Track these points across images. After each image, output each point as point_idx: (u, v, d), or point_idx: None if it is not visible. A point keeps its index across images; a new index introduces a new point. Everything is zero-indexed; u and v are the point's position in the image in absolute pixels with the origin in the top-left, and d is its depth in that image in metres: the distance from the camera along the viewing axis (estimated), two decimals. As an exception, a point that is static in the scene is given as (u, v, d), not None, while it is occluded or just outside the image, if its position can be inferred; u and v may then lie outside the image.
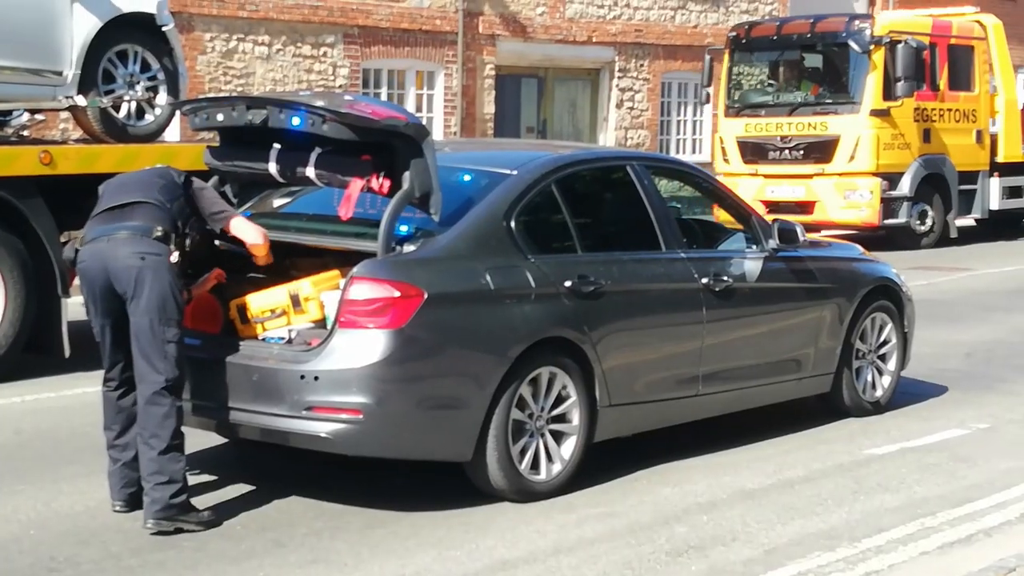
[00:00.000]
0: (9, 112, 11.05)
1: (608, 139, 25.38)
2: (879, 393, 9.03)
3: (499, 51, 23.70)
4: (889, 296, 9.05)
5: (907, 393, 9.45)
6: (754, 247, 8.27)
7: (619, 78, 25.46)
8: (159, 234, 6.25)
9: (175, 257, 6.28)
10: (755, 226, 8.35)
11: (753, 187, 20.57)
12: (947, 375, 10.31)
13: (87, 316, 6.44)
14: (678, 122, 26.86)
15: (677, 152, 26.26)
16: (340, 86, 21.47)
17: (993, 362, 11.04)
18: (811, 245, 8.73)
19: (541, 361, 6.82)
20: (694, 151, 26.74)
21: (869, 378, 8.97)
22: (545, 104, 24.94)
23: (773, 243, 8.27)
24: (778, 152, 20.49)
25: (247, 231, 6.76)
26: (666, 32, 26.00)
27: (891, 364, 9.11)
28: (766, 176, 20.59)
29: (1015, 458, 7.94)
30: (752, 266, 8.13)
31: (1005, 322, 13.20)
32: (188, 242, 6.49)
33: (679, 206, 9.03)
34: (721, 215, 8.76)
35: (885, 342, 9.06)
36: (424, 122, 22.29)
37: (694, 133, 27.06)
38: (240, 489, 6.93)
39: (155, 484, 6.12)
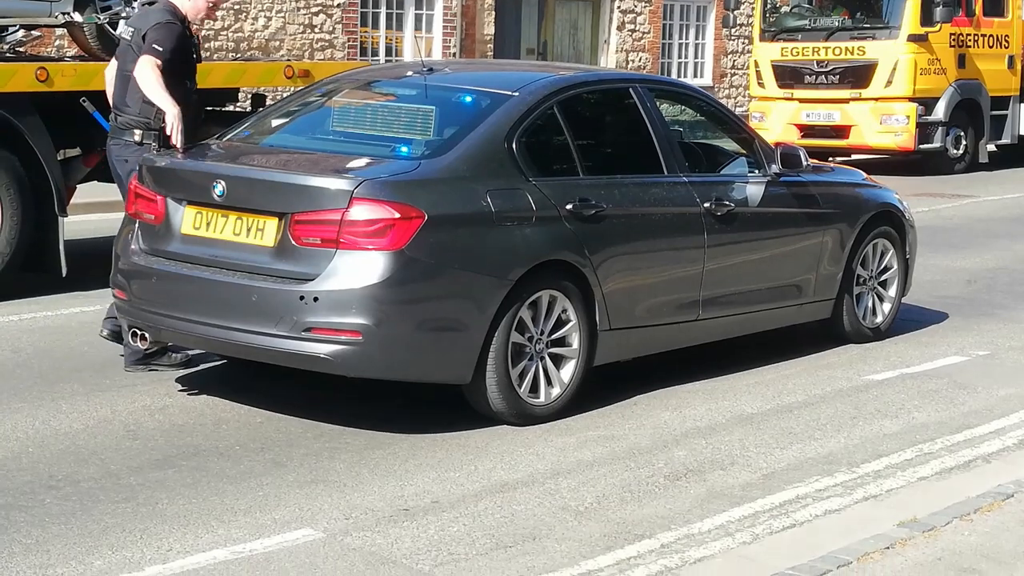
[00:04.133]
0: (5, 28, 10.93)
1: (609, 62, 25.17)
2: (879, 319, 9.01)
3: (500, -29, 23.43)
4: (891, 222, 9.00)
5: (907, 320, 9.43)
6: (757, 171, 8.21)
7: (620, 0, 25.21)
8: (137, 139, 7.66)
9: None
10: (758, 150, 8.28)
11: (788, 111, 20.63)
12: (948, 302, 10.29)
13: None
14: (680, 45, 26.62)
15: (679, 76, 26.06)
16: (338, 5, 21.25)
17: (994, 289, 11.02)
18: (814, 170, 8.67)
19: (541, 284, 6.79)
20: (696, 75, 26.54)
21: (870, 304, 8.94)
22: (546, 26, 24.70)
23: (776, 168, 8.21)
24: (814, 76, 20.49)
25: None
26: (669, -47, 25.71)
27: (892, 290, 9.08)
28: (801, 100, 20.57)
29: (1014, 385, 7.94)
30: (754, 191, 8.08)
31: (1008, 249, 13.16)
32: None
33: (681, 129, 8.94)
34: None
35: (886, 268, 9.03)
36: (423, 42, 22.17)
37: (696, 57, 26.83)
38: (238, 409, 6.93)
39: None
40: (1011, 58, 21.48)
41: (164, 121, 7.44)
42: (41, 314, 9.16)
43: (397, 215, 6.32)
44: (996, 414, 7.31)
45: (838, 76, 20.28)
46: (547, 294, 6.84)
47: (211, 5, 7.84)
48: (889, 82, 19.92)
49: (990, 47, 21.05)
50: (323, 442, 6.46)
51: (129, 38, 7.75)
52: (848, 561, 5.06)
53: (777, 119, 20.64)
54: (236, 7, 20.11)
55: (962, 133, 20.73)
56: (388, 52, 22.17)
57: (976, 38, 20.78)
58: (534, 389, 6.87)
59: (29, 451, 6.22)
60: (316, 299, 6.31)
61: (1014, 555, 5.22)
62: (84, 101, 8.63)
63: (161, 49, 7.47)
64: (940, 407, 7.44)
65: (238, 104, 11.78)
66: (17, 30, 11.09)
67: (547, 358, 6.91)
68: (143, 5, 7.96)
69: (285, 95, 9.24)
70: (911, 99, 19.94)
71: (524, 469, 6.17)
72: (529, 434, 6.68)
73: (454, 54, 22.59)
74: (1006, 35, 21.34)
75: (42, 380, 7.46)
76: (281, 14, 20.69)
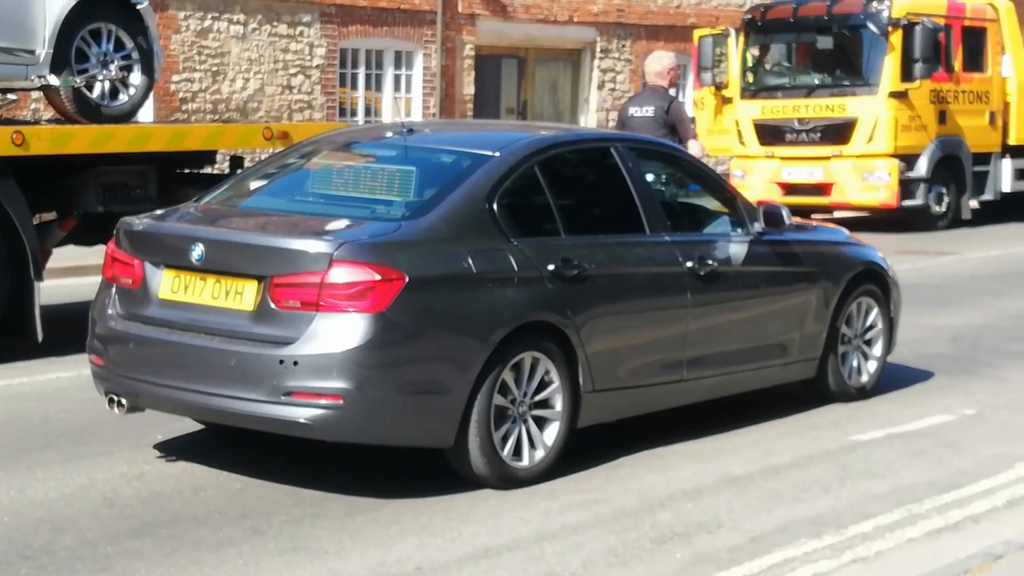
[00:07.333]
0: (-19, 92, 10.89)
1: (589, 120, 25.26)
2: (864, 378, 8.95)
3: (479, 31, 23.55)
4: (875, 280, 8.97)
5: (893, 378, 9.37)
6: (739, 230, 8.18)
7: (600, 59, 25.34)
8: None
9: None
10: (740, 209, 8.26)
11: (770, 169, 20.63)
12: (933, 360, 10.24)
13: None
14: (659, 104, 26.70)
15: (658, 134, 26.11)
16: (317, 66, 21.30)
17: (980, 347, 10.98)
18: (797, 229, 8.65)
19: (524, 346, 6.72)
20: (675, 133, 26.61)
21: (855, 363, 8.89)
22: (526, 85, 24.81)
23: (759, 226, 8.18)
24: (795, 134, 20.52)
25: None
26: (648, 12, 25.87)
27: (877, 349, 9.03)
28: (783, 158, 20.59)
29: (1002, 444, 7.88)
30: (737, 250, 8.04)
31: (992, 306, 13.14)
32: None
33: (663, 189, 8.93)
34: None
35: (871, 327, 8.98)
36: (402, 102, 22.22)
37: (675, 115, 26.90)
38: (217, 476, 6.83)
39: None
40: (992, 114, 21.53)
41: None
42: (16, 380, 9.06)
43: (377, 277, 6.26)
44: (984, 474, 7.24)
45: (819, 134, 20.32)
46: (530, 356, 6.77)
47: (672, 79, 11.29)
48: (870, 139, 19.95)
49: (970, 103, 21.10)
50: (304, 508, 6.35)
51: (643, 115, 10.95)
52: (840, 627, 4.99)
53: (759, 177, 20.65)
54: (214, 69, 20.13)
55: (944, 190, 20.75)
56: (367, 113, 22.22)
57: (956, 94, 20.85)
58: (517, 452, 6.78)
59: (4, 520, 6.11)
60: (296, 363, 6.23)
61: (1008, 619, 5.14)
62: None
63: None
64: (928, 467, 7.37)
65: (216, 166, 11.74)
66: (-7, 93, 11.06)
67: (530, 420, 6.83)
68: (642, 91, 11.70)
69: (264, 157, 9.21)
70: (893, 155, 19.97)
71: (508, 534, 6.08)
72: (513, 498, 6.59)
73: (434, 114, 22.65)
74: (986, 91, 21.41)
75: (17, 448, 7.35)
76: (259, 75, 20.72)
